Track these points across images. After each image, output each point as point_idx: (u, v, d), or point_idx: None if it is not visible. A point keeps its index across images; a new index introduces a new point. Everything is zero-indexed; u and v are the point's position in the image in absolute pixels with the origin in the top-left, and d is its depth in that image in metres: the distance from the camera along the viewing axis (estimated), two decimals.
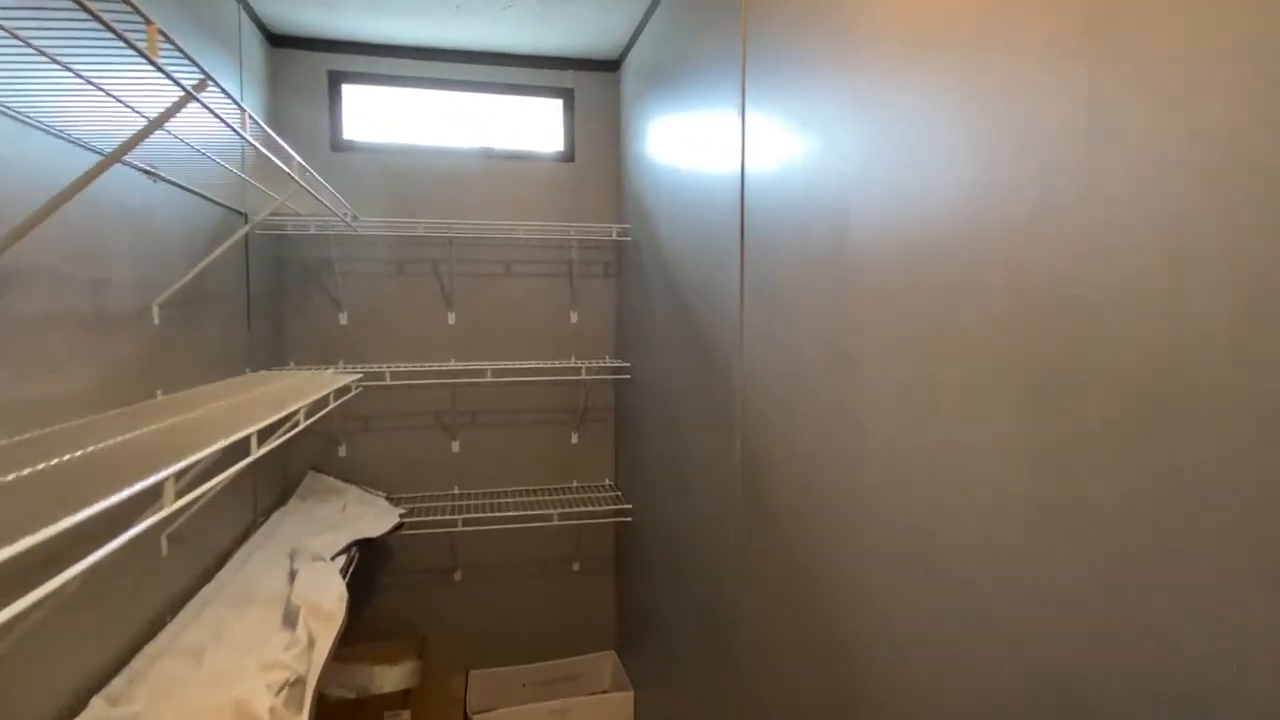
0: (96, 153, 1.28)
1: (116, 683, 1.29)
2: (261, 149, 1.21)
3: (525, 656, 2.87)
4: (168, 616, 1.58)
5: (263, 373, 2.25)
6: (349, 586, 1.86)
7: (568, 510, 2.60)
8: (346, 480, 2.67)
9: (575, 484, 2.91)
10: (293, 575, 1.82)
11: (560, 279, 2.84)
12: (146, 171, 1.52)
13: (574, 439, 2.90)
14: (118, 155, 0.95)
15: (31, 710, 1.12)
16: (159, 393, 1.57)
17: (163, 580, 1.59)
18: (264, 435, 1.15)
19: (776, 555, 1.40)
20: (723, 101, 1.65)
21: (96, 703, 1.22)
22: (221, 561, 1.93)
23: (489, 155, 2.75)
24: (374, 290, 2.69)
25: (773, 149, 1.40)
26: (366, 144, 2.66)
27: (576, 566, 2.94)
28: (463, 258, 2.74)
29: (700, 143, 1.84)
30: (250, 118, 1.13)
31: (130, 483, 0.75)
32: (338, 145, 2.63)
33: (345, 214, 2.18)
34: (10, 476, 0.80)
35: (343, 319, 2.67)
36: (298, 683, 1.35)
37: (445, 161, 2.71)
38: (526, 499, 2.75)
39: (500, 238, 2.71)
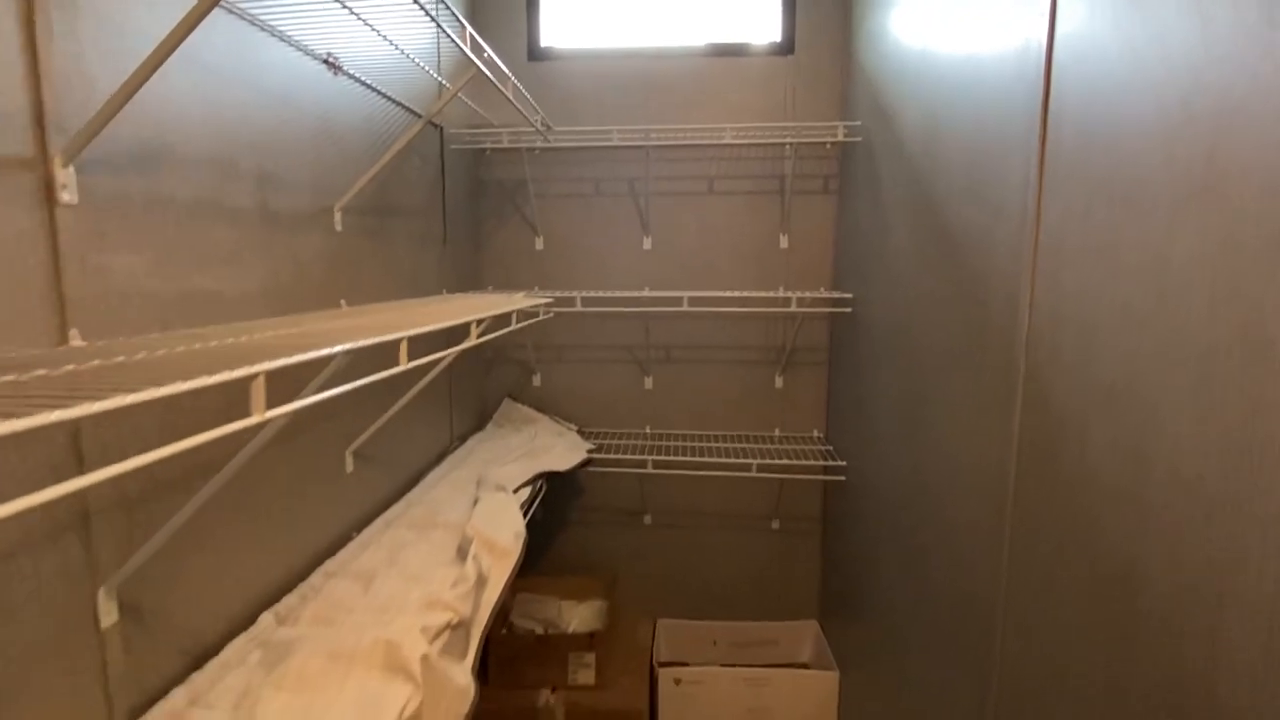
0: (263, 28, 1.16)
1: (289, 599, 1.23)
2: (449, 33, 0.99)
3: (716, 612, 2.65)
4: (352, 533, 1.54)
5: (458, 295, 2.18)
6: (533, 520, 1.72)
7: (768, 462, 2.27)
8: (540, 410, 2.58)
9: (778, 433, 2.57)
10: (473, 503, 1.72)
11: (770, 196, 2.45)
12: (326, 63, 1.41)
13: (778, 383, 2.55)
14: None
15: (212, 618, 1.08)
16: (343, 302, 1.49)
17: (347, 497, 1.55)
18: (420, 349, 0.97)
19: (1078, 545, 0.96)
20: None
21: (265, 618, 1.16)
22: (413, 482, 1.90)
23: (694, 53, 2.41)
24: (570, 214, 2.52)
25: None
26: (563, 50, 2.45)
27: (776, 524, 2.62)
28: (661, 174, 2.46)
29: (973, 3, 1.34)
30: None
31: (197, 377, 0.56)
32: (535, 54, 2.45)
33: (537, 121, 1.98)
34: (119, 359, 0.66)
35: (538, 244, 2.55)
36: (460, 626, 1.20)
37: (646, 65, 2.42)
38: (722, 444, 2.47)
39: (703, 145, 2.37)
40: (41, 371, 0.61)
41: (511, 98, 1.62)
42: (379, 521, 1.61)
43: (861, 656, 2.13)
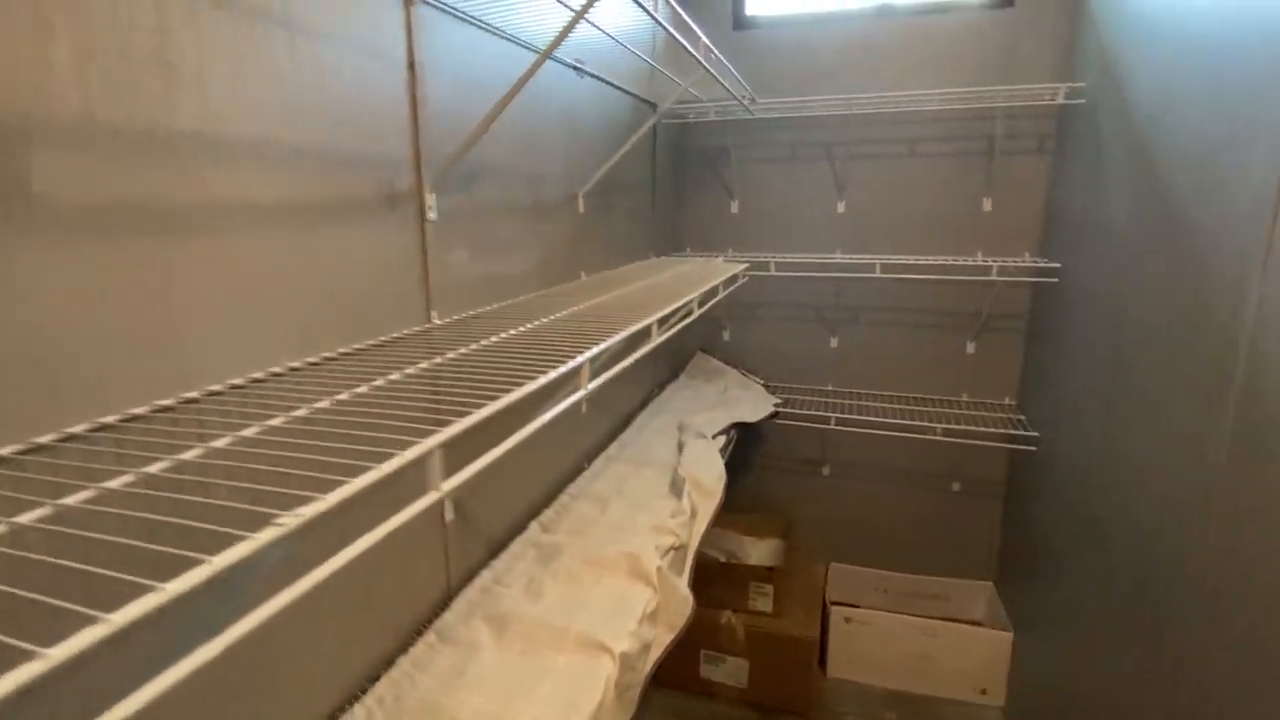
0: (534, 50, 1.41)
1: (547, 513, 1.57)
2: (671, 31, 1.18)
3: (888, 563, 2.78)
4: (584, 464, 1.87)
5: (663, 259, 2.42)
6: (726, 465, 1.96)
7: (954, 427, 2.32)
8: (729, 363, 2.80)
9: (965, 398, 2.58)
10: (680, 447, 1.98)
11: (975, 158, 2.40)
12: (574, 67, 1.65)
13: (969, 348, 2.55)
14: (550, 49, 1.01)
15: (499, 521, 1.44)
16: (582, 274, 1.78)
17: (582, 434, 1.88)
18: (662, 322, 1.20)
19: None
20: None
21: (533, 526, 1.51)
22: (625, 423, 2.21)
23: (901, 12, 2.38)
24: (765, 178, 2.64)
25: None
26: (768, 18, 2.53)
27: (957, 486, 2.67)
28: (860, 138, 2.49)
29: None
30: None
31: (558, 365, 0.83)
32: (740, 22, 2.55)
33: (744, 96, 2.12)
34: (485, 341, 0.96)
35: (734, 208, 2.70)
36: (680, 548, 1.47)
37: (851, 28, 2.43)
38: (906, 406, 2.54)
39: (907, 112, 2.37)
40: (438, 359, 0.91)
41: (728, 86, 1.77)
42: (603, 457, 1.93)
43: (1037, 622, 2.17)
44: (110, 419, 0.66)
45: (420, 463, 0.58)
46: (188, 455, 0.56)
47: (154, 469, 0.54)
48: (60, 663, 0.31)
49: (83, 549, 0.43)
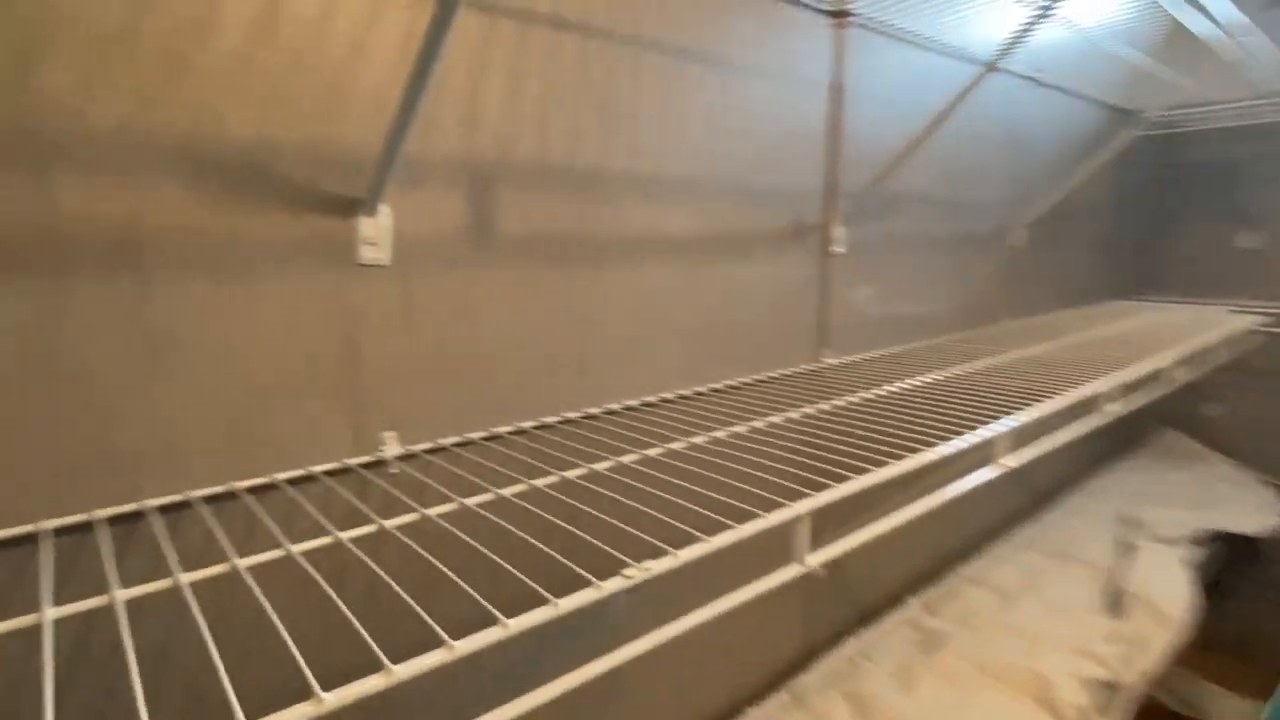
0: (969, 61, 1.23)
1: (931, 592, 1.36)
2: (1194, 13, 0.90)
3: None
4: (982, 543, 1.58)
5: (1127, 303, 1.93)
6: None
7: None
8: (1211, 448, 2.09)
9: None
10: (1123, 549, 1.53)
11: None
12: (1029, 78, 1.40)
13: None
14: (1000, 57, 0.85)
15: (869, 584, 1.29)
16: (1006, 318, 1.51)
17: (985, 505, 1.59)
18: (1125, 388, 0.92)
19: None
20: None
21: (913, 603, 1.32)
22: (1042, 502, 1.81)
23: None
24: None
25: None
26: None
27: None
28: None
29: None
30: None
31: (962, 432, 0.68)
32: None
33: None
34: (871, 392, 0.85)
35: (1242, 240, 2.02)
36: (1111, 687, 1.11)
37: None
38: None
39: None
40: (825, 405, 0.82)
41: (1263, 80, 1.31)
42: (1012, 540, 1.61)
43: None
44: (526, 424, 0.75)
45: (784, 527, 0.51)
46: (600, 466, 0.59)
47: (572, 474, 0.58)
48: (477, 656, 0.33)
49: (497, 541, 0.47)
